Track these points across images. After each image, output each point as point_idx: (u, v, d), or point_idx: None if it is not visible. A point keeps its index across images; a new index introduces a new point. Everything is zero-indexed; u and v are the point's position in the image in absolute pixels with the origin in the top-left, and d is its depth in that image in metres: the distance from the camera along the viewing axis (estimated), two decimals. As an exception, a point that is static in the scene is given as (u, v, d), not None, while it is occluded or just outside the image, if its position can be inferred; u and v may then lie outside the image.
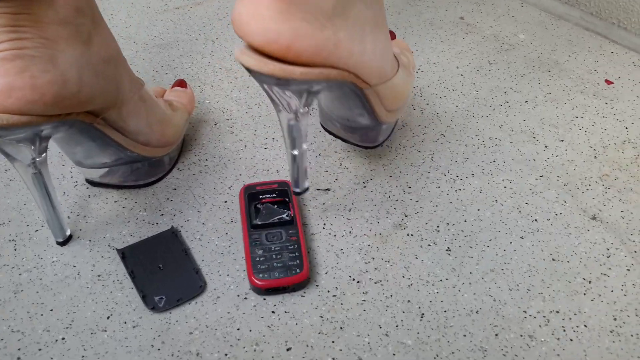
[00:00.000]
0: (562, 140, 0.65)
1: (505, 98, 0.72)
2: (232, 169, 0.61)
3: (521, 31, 0.85)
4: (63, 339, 0.46)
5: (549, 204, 0.57)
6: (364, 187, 0.59)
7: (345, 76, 0.44)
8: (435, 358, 0.44)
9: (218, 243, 0.53)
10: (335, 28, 0.42)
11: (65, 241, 0.53)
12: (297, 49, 0.39)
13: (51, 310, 0.48)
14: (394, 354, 0.44)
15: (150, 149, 0.56)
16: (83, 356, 0.44)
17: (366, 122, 0.54)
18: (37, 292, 0.49)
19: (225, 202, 0.57)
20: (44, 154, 0.47)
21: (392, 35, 0.67)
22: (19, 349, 0.45)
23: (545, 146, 0.64)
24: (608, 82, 0.74)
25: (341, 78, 0.44)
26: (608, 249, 0.52)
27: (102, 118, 0.49)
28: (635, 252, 0.52)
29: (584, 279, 0.50)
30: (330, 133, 0.59)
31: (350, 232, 0.54)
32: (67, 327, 0.46)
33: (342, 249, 0.52)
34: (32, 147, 0.46)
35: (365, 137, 0.57)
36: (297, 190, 0.50)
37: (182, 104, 0.62)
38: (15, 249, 0.53)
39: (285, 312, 0.47)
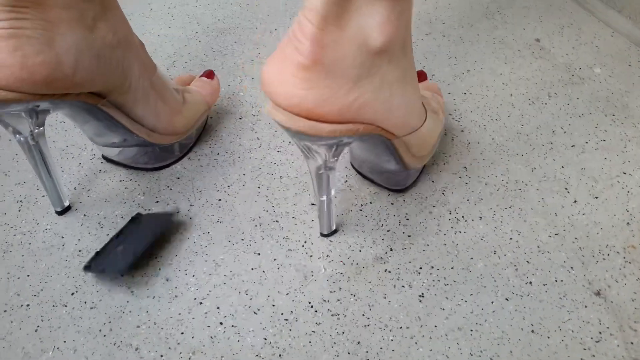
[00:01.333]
0: (596, 198, 0.58)
1: (551, 138, 0.65)
2: (238, 167, 0.61)
3: (599, 64, 0.77)
4: (28, 305, 0.49)
5: (552, 268, 0.52)
6: (360, 210, 0.57)
7: (373, 129, 0.45)
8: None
9: (197, 241, 0.54)
10: (362, 90, 0.42)
11: (63, 211, 0.56)
12: (320, 113, 0.41)
13: (27, 275, 0.51)
14: (321, 395, 0.43)
15: (157, 136, 0.57)
16: (38, 326, 0.47)
17: (393, 168, 0.54)
18: (22, 255, 0.52)
19: (219, 200, 0.58)
20: (42, 127, 0.49)
21: (423, 76, 0.65)
22: (-12, 306, 0.48)
23: (575, 200, 0.58)
24: (677, 138, 0.65)
25: (369, 132, 0.45)
26: (600, 333, 0.47)
27: (107, 100, 0.51)
28: (631, 343, 0.46)
29: (559, 361, 0.45)
30: (359, 173, 0.60)
31: (327, 256, 0.52)
32: (35, 295, 0.49)
33: (312, 272, 0.51)
34: (30, 120, 0.48)
35: (393, 180, 0.58)
36: (325, 232, 0.53)
37: (203, 95, 0.63)
38: (19, 210, 0.56)
39: (233, 326, 0.47)
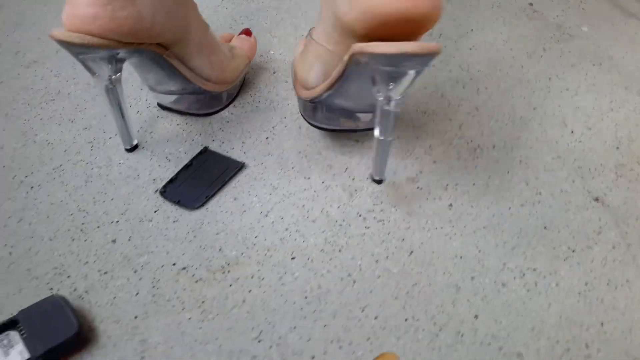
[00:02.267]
0: (590, 129, 0.68)
1: (548, 84, 0.75)
2: (278, 113, 0.70)
3: (586, 24, 0.87)
4: (117, 221, 0.57)
5: (557, 182, 0.61)
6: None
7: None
8: (413, 286, 0.51)
9: (253, 169, 0.62)
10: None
11: (132, 149, 0.64)
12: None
13: (112, 199, 0.59)
14: (378, 277, 0.52)
15: (210, 84, 0.65)
16: (130, 237, 0.55)
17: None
18: (103, 184, 0.60)
19: (267, 138, 0.66)
20: (119, 73, 0.57)
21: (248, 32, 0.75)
22: (82, 224, 0.56)
23: (572, 131, 0.68)
24: (656, 81, 0.75)
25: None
26: (600, 227, 0.57)
27: (170, 51, 0.59)
28: (626, 233, 0.56)
29: (569, 247, 0.55)
30: None
31: (367, 179, 0.61)
32: (122, 214, 0.57)
33: (356, 190, 0.60)
34: (110, 66, 0.56)
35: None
36: (376, 178, 0.59)
37: (244, 50, 0.71)
38: (91, 149, 0.64)
39: (297, 231, 0.56)
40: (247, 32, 0.75)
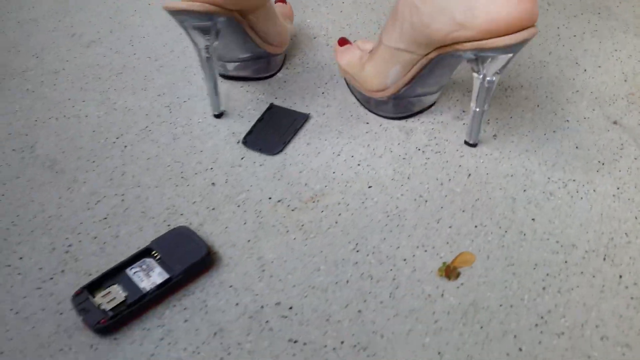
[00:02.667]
0: (599, 67, 0.78)
1: (557, 32, 0.85)
2: (327, 72, 0.78)
3: (580, -20, 0.97)
4: (211, 168, 0.65)
5: (580, 111, 0.71)
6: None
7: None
8: (476, 201, 0.61)
9: (317, 119, 0.71)
10: None
11: (220, 115, 0.71)
12: None
13: (201, 151, 0.67)
14: (445, 196, 0.61)
15: (272, 47, 0.73)
16: (226, 180, 0.63)
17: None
18: (189, 140, 0.68)
19: (322, 93, 0.75)
20: (215, 42, 0.65)
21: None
22: (181, 172, 0.64)
23: (585, 70, 0.78)
24: (650, 24, 0.86)
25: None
26: (622, 144, 0.67)
27: (247, 19, 0.67)
28: (644, 147, 0.67)
29: (599, 161, 0.65)
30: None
31: (418, 119, 0.70)
32: (213, 162, 0.65)
33: (411, 129, 0.69)
34: (208, 36, 0.63)
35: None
36: (470, 142, 0.66)
37: (285, 14, 0.79)
38: (170, 112, 0.72)
39: (368, 165, 0.65)
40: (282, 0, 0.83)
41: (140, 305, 0.51)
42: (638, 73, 0.77)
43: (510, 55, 0.57)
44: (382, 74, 0.66)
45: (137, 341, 0.50)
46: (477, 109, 0.62)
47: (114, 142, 0.68)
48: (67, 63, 0.80)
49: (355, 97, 0.73)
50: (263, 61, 0.75)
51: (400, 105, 0.69)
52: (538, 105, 0.72)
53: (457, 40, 0.57)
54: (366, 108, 0.72)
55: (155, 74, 0.78)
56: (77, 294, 0.52)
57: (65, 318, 0.52)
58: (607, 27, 0.86)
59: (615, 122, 0.70)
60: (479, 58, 0.58)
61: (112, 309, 0.51)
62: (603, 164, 0.65)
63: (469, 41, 0.56)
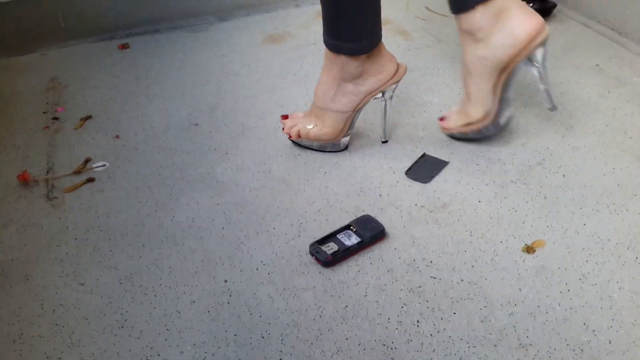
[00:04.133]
0: None
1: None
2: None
3: None
4: (378, 187, 1.06)
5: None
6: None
7: None
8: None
9: (453, 164, 1.10)
10: None
11: (385, 142, 1.13)
12: None
13: (371, 177, 1.08)
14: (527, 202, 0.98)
15: None
16: (393, 192, 1.04)
17: None
18: (364, 171, 1.10)
19: (447, 146, 1.14)
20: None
21: None
22: (360, 189, 1.06)
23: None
24: None
25: None
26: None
27: None
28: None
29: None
30: None
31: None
32: (380, 183, 1.06)
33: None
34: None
35: None
36: (549, 107, 1.06)
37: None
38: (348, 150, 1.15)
39: (479, 189, 1.03)
40: None
41: (345, 253, 0.92)
42: None
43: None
44: (480, 108, 1.06)
45: (345, 270, 0.90)
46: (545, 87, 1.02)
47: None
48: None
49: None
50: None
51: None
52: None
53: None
54: (487, 135, 1.11)
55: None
56: (312, 245, 0.93)
57: (305, 258, 0.93)
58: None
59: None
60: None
61: (331, 254, 0.91)
62: None
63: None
